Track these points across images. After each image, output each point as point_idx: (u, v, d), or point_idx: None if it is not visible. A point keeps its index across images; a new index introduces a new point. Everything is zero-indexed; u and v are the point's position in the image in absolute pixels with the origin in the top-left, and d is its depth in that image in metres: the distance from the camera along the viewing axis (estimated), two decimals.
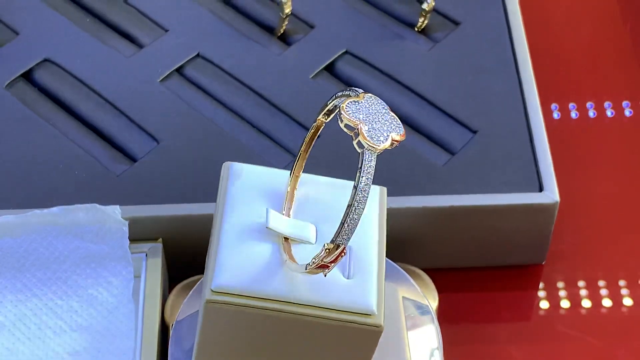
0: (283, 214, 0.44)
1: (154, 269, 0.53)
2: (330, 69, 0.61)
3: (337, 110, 0.41)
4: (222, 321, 0.42)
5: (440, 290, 0.54)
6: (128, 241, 0.52)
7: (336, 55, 0.61)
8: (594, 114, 0.64)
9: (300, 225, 0.44)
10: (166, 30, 0.63)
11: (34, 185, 0.55)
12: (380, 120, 0.40)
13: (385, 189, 0.46)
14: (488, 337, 0.56)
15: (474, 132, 0.57)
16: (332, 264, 0.40)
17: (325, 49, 0.61)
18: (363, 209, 0.39)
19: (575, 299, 0.57)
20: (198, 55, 0.61)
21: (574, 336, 0.56)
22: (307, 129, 0.57)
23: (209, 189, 0.55)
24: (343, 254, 0.39)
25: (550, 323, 0.56)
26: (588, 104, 0.65)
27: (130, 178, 0.55)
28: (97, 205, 0.52)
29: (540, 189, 0.54)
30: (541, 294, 0.58)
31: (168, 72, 0.60)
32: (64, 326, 0.51)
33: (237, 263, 0.42)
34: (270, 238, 0.43)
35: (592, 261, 0.59)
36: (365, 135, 0.39)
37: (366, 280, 0.42)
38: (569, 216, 0.60)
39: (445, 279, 0.56)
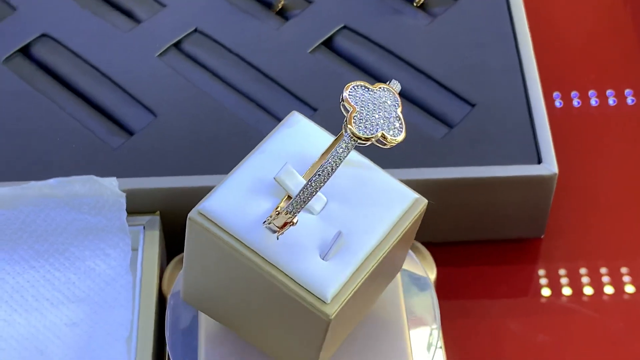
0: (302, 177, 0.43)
1: (152, 241, 0.53)
2: (328, 44, 0.61)
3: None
4: (201, 242, 0.42)
5: (438, 265, 0.54)
6: (125, 213, 0.52)
7: (334, 30, 0.61)
8: (596, 102, 0.64)
9: None
10: (164, 6, 0.62)
11: (31, 158, 0.55)
12: (380, 114, 0.40)
13: (425, 202, 0.44)
14: (486, 311, 0.56)
15: (472, 105, 0.57)
16: (280, 229, 0.40)
17: (323, 23, 0.61)
18: (317, 188, 0.39)
19: (573, 274, 0.57)
20: (196, 30, 0.61)
21: (572, 309, 0.56)
22: (306, 103, 0.58)
23: (206, 162, 0.54)
24: (292, 223, 0.40)
25: (548, 297, 0.56)
26: (590, 92, 0.65)
27: (128, 151, 0.55)
28: (95, 177, 0.52)
29: (539, 161, 0.54)
30: (539, 267, 0.58)
31: (166, 47, 0.60)
32: (61, 298, 0.51)
33: (232, 200, 0.42)
34: (276, 192, 0.42)
35: (590, 236, 0.59)
36: (353, 120, 0.39)
37: (340, 270, 0.41)
38: (567, 192, 0.60)
39: (443, 253, 0.56)
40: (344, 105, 0.39)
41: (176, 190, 0.53)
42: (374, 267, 0.42)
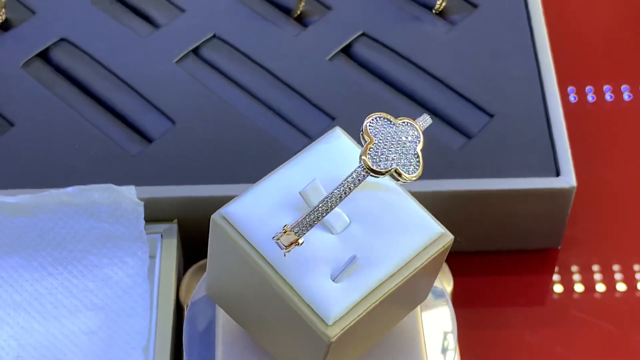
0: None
1: (169, 249, 0.53)
2: (347, 51, 0.61)
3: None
4: (221, 243, 0.42)
5: (455, 274, 0.54)
6: (143, 222, 0.52)
7: (353, 37, 0.61)
8: (611, 97, 0.64)
9: (334, 212, 0.42)
10: (183, 11, 0.62)
11: (49, 165, 0.55)
12: (398, 149, 0.39)
13: (451, 238, 0.43)
14: (502, 321, 0.56)
15: (491, 115, 0.57)
16: (286, 247, 0.40)
17: (342, 30, 0.61)
18: (324, 213, 0.39)
19: (590, 284, 0.57)
20: (214, 36, 0.61)
21: (588, 321, 0.56)
22: (323, 111, 0.57)
23: (224, 170, 0.55)
24: (297, 243, 0.40)
25: (565, 308, 0.56)
26: (605, 87, 0.64)
27: (146, 158, 0.55)
28: (113, 186, 0.52)
29: (557, 174, 0.54)
30: (556, 278, 0.57)
31: (184, 53, 0.60)
32: (79, 305, 0.51)
33: (256, 208, 0.42)
34: (301, 207, 0.42)
35: (607, 246, 0.59)
36: (368, 153, 0.39)
37: (347, 294, 0.41)
38: (584, 200, 0.59)
39: (460, 262, 0.56)
40: (362, 136, 0.39)
41: (194, 198, 0.53)
42: (385, 296, 0.41)
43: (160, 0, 0.63)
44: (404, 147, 0.40)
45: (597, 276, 0.57)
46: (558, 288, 0.57)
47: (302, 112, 0.57)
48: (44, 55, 0.61)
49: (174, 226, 0.54)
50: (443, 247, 0.43)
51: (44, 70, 0.60)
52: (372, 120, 0.40)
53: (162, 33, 0.61)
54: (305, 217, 0.39)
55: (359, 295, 0.41)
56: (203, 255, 0.53)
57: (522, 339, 0.55)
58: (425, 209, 0.43)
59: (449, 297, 0.50)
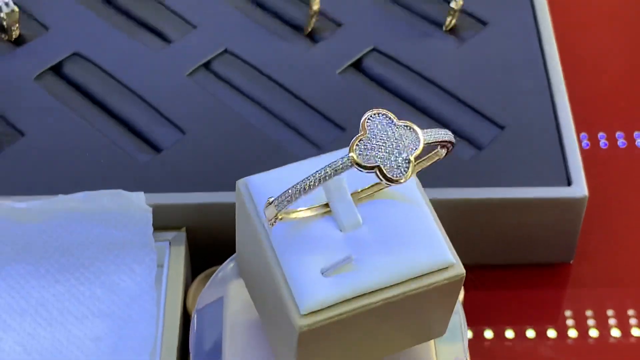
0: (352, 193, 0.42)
1: (177, 257, 0.53)
2: (357, 65, 0.61)
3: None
4: (240, 210, 0.42)
5: (464, 288, 0.53)
6: (152, 228, 0.52)
7: (364, 52, 0.61)
8: (624, 144, 0.63)
9: (349, 210, 0.42)
10: (194, 27, 0.63)
11: (59, 173, 0.55)
12: (389, 149, 0.38)
13: (462, 273, 0.41)
14: (513, 337, 0.55)
15: (502, 127, 0.57)
16: (268, 220, 0.39)
17: (353, 45, 0.61)
18: (301, 192, 0.38)
19: (601, 300, 0.56)
20: (225, 51, 0.62)
21: (600, 336, 0.55)
22: (333, 122, 0.57)
23: (233, 180, 0.54)
24: (277, 218, 0.39)
25: (578, 324, 0.55)
26: (617, 134, 0.64)
27: (155, 167, 0.55)
28: (122, 191, 0.52)
29: (569, 184, 0.54)
30: (568, 293, 0.57)
31: (196, 67, 0.60)
32: (86, 312, 0.51)
33: (278, 184, 0.40)
34: (318, 193, 0.41)
35: (620, 262, 0.58)
36: (356, 144, 0.38)
37: (330, 291, 0.39)
38: (598, 221, 0.59)
39: (469, 276, 0.55)
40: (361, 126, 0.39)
41: (202, 206, 0.53)
42: (370, 307, 0.39)
43: (172, 16, 0.64)
44: (396, 148, 0.39)
45: (609, 293, 0.57)
46: (570, 304, 0.56)
47: (312, 123, 0.58)
48: (56, 70, 0.61)
49: (182, 234, 0.53)
50: (449, 278, 0.40)
51: (56, 83, 0.60)
52: (373, 114, 0.39)
53: (174, 48, 0.62)
54: (284, 194, 0.39)
55: (340, 294, 0.39)
56: (211, 263, 0.53)
57: (533, 356, 0.54)
58: (446, 235, 0.42)
59: (460, 305, 0.49)
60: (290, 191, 0.39)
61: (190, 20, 0.63)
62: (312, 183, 0.38)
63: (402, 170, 0.38)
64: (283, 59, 0.61)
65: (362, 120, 0.39)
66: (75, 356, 0.49)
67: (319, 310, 0.39)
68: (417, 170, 0.42)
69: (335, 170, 0.38)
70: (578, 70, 0.67)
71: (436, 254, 0.41)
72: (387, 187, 0.42)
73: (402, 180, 0.38)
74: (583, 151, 0.63)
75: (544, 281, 0.57)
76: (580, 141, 0.64)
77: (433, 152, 0.42)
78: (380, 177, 0.38)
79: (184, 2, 0.64)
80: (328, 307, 0.39)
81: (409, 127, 0.39)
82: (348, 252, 0.41)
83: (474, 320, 0.55)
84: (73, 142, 0.56)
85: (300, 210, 0.41)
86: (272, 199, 0.39)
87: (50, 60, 0.61)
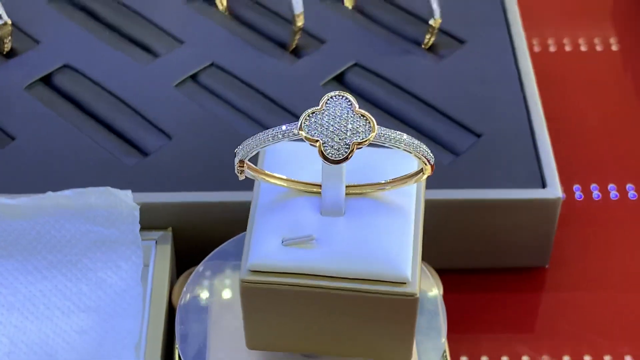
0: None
1: (163, 256, 0.54)
2: (340, 80, 0.63)
3: None
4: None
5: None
6: (139, 225, 0.53)
7: (346, 67, 0.63)
8: (616, 196, 0.64)
9: (336, 198, 0.43)
10: (182, 42, 0.65)
11: (48, 175, 0.56)
12: (337, 131, 0.40)
13: (415, 297, 0.41)
14: (490, 340, 0.56)
15: (478, 135, 0.59)
16: (236, 167, 0.42)
17: (335, 60, 0.63)
18: (248, 150, 0.41)
19: (578, 303, 0.58)
20: (212, 64, 0.63)
21: (577, 338, 0.56)
22: None
23: (218, 182, 0.56)
24: (239, 166, 0.42)
25: (553, 326, 0.57)
26: (610, 186, 0.64)
27: (142, 169, 0.56)
28: (110, 189, 0.53)
29: (544, 186, 0.55)
30: (542, 298, 0.58)
31: (183, 78, 0.62)
32: (72, 307, 0.52)
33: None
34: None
35: (595, 268, 0.59)
36: (308, 117, 0.40)
37: (277, 256, 0.42)
38: (574, 226, 0.60)
39: (444, 281, 0.56)
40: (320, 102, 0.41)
41: (188, 205, 0.54)
42: (310, 290, 0.41)
43: (160, 33, 0.66)
44: (343, 132, 0.40)
45: (585, 298, 0.58)
46: (545, 308, 0.58)
47: None
48: (46, 80, 0.63)
49: (168, 234, 0.54)
50: (398, 294, 0.41)
51: (46, 92, 0.62)
52: (337, 95, 0.40)
53: (162, 61, 0.63)
54: (244, 144, 0.42)
55: (286, 266, 0.41)
56: (196, 262, 0.54)
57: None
58: (419, 254, 0.42)
59: (440, 299, 0.50)
60: (250, 142, 0.42)
61: (177, 36, 0.65)
62: (257, 143, 0.41)
63: (341, 153, 0.40)
64: (268, 71, 0.63)
65: (323, 98, 0.41)
66: (61, 347, 0.50)
67: (264, 272, 0.41)
68: (398, 187, 0.44)
69: (283, 135, 0.40)
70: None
71: (395, 266, 0.41)
72: (385, 189, 0.44)
73: (335, 162, 0.40)
74: (576, 203, 0.63)
75: (519, 286, 0.58)
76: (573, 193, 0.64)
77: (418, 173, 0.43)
78: (319, 153, 0.40)
79: (172, 19, 0.66)
80: (273, 272, 0.41)
81: (365, 117, 0.40)
82: (316, 233, 0.42)
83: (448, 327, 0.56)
84: (61, 145, 0.58)
85: (277, 177, 0.44)
86: (237, 148, 0.42)
87: (40, 71, 0.62)
